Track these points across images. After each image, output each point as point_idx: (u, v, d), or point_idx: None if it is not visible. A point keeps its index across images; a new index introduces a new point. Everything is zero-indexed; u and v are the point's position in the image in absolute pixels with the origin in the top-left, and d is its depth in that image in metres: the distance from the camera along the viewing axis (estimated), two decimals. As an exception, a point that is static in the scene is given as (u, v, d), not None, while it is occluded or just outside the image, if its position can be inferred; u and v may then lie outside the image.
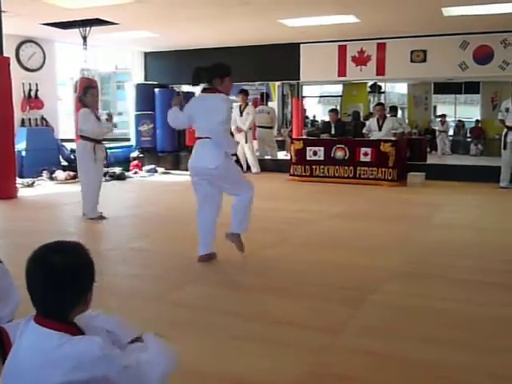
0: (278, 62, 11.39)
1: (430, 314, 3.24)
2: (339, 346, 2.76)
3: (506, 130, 8.89)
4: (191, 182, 4.42)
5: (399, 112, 14.70)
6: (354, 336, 2.88)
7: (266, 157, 11.90)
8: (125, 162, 11.42)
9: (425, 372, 2.48)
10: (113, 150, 11.52)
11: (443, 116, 15.78)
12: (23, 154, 9.75)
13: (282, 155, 12.69)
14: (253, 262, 4.39)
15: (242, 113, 10.99)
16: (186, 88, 13.17)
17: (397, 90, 17.91)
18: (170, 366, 1.69)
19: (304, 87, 12.89)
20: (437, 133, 15.31)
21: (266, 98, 13.16)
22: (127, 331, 1.78)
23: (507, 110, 8.86)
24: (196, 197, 4.44)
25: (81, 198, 6.59)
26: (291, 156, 10.25)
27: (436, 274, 4.06)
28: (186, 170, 12.39)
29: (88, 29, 9.38)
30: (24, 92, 10.41)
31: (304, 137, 11.56)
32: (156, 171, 11.17)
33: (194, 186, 4.41)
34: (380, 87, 15.46)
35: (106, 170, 10.36)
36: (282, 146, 13.78)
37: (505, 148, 8.88)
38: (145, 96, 12.02)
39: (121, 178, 10.17)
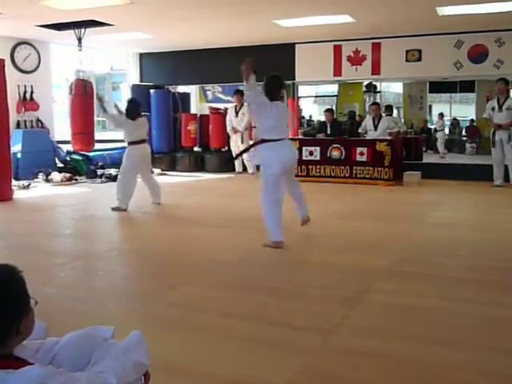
0: (274, 62, 11.34)
1: (424, 313, 3.24)
2: (334, 347, 2.76)
3: (493, 128, 8.97)
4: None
5: (395, 111, 14.73)
6: (349, 336, 2.89)
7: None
8: (120, 164, 11.37)
9: (416, 370, 2.48)
10: (108, 152, 11.52)
11: (441, 115, 15.86)
12: (19, 155, 9.73)
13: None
14: (248, 262, 4.40)
15: (237, 113, 10.99)
16: (181, 89, 13.22)
17: (392, 89, 17.97)
18: (138, 365, 1.69)
19: (299, 87, 12.88)
20: (438, 133, 15.29)
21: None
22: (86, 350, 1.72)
23: (493, 108, 8.92)
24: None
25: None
26: (287, 156, 10.23)
27: (431, 273, 4.07)
28: (182, 170, 12.36)
29: (83, 30, 9.36)
30: (19, 94, 10.40)
31: (300, 137, 11.57)
32: (152, 172, 11.13)
33: None
34: (375, 87, 15.50)
35: (102, 171, 10.40)
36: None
37: (493, 146, 8.96)
38: (140, 97, 11.91)
39: (117, 179, 10.14)
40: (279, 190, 4.93)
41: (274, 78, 5.06)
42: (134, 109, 7.05)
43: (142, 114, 7.39)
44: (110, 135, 13.59)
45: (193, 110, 13.24)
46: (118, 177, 7.21)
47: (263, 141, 4.89)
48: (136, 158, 6.99)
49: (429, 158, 12.36)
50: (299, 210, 5.39)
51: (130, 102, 7.23)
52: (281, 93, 5.05)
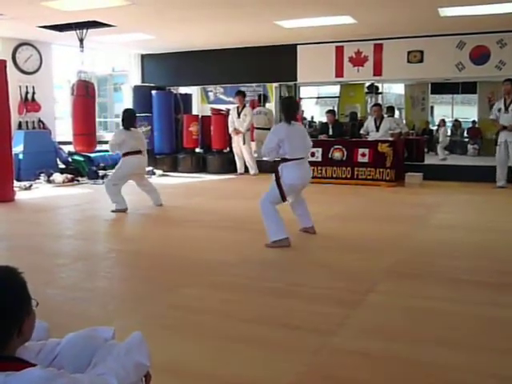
0: (275, 63, 11.40)
1: (425, 314, 3.24)
2: (335, 348, 2.76)
3: (498, 130, 8.97)
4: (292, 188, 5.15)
5: (396, 112, 14.69)
6: (350, 337, 2.88)
7: (264, 158, 11.90)
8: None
9: (417, 371, 2.48)
10: (110, 153, 11.51)
11: (443, 121, 15.74)
12: (20, 156, 9.74)
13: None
14: (249, 263, 4.40)
15: (239, 114, 10.99)
16: (183, 90, 13.23)
17: (394, 90, 17.93)
18: (139, 366, 1.68)
19: (301, 88, 12.89)
20: (440, 138, 15.13)
21: (263, 99, 13.17)
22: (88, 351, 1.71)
23: (499, 109, 8.90)
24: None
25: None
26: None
27: (432, 274, 4.07)
28: (184, 171, 12.33)
29: (85, 31, 9.37)
30: (21, 95, 10.41)
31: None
32: (154, 173, 11.15)
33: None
34: (377, 88, 15.47)
35: (104, 172, 10.41)
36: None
37: (496, 145, 8.97)
38: (142, 98, 12.01)
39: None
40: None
41: (289, 102, 5.58)
42: (128, 119, 6.94)
43: (148, 115, 7.34)
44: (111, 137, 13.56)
45: (194, 111, 13.24)
46: (106, 183, 7.08)
47: (285, 160, 5.07)
48: (129, 168, 6.88)
49: (430, 159, 12.34)
50: (304, 221, 5.49)
51: (125, 112, 7.12)
52: (297, 114, 5.45)
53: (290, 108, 5.27)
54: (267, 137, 5.19)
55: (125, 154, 6.90)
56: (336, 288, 3.73)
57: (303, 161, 5.18)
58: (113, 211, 6.76)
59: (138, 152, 6.94)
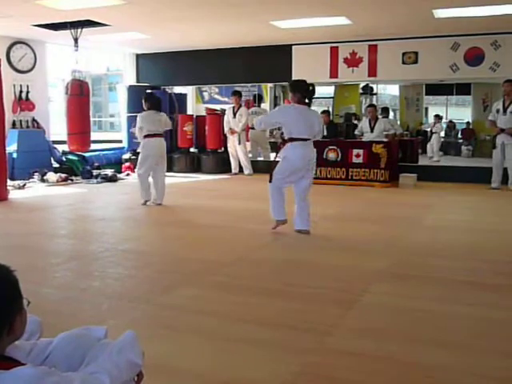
0: (270, 63, 11.41)
1: (421, 315, 3.24)
2: (330, 348, 2.76)
3: (495, 132, 8.96)
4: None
5: (391, 113, 14.73)
6: (345, 337, 2.88)
7: (259, 158, 11.92)
8: (117, 164, 11.40)
9: (413, 372, 2.48)
10: (104, 152, 11.51)
11: (438, 117, 15.73)
12: (14, 155, 9.70)
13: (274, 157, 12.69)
14: (244, 263, 4.39)
15: (235, 114, 11.00)
16: (178, 89, 13.21)
17: (388, 91, 18.01)
18: (131, 364, 1.68)
19: (296, 89, 12.88)
20: (434, 135, 15.11)
21: (258, 99, 13.18)
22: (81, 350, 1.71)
23: (497, 111, 8.89)
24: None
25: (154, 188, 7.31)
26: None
27: (427, 275, 4.07)
28: (178, 171, 12.33)
29: (79, 30, 9.34)
30: (15, 94, 10.37)
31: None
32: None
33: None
34: (372, 89, 15.52)
35: (98, 171, 10.38)
36: (274, 147, 13.79)
37: (494, 148, 8.94)
38: (136, 98, 11.95)
39: (113, 179, 10.14)
40: (287, 181, 5.37)
41: (302, 85, 5.60)
42: (144, 102, 7.30)
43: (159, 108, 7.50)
44: (105, 136, 13.55)
45: (189, 111, 13.23)
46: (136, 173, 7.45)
47: (291, 140, 5.27)
48: (145, 150, 7.14)
49: (424, 160, 12.39)
50: (302, 222, 5.46)
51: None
52: (305, 98, 5.55)
53: (302, 91, 5.46)
54: (272, 111, 5.35)
55: (144, 138, 7.20)
56: (331, 288, 3.73)
57: (308, 142, 5.33)
58: (142, 204, 7.10)
59: (155, 135, 7.14)
